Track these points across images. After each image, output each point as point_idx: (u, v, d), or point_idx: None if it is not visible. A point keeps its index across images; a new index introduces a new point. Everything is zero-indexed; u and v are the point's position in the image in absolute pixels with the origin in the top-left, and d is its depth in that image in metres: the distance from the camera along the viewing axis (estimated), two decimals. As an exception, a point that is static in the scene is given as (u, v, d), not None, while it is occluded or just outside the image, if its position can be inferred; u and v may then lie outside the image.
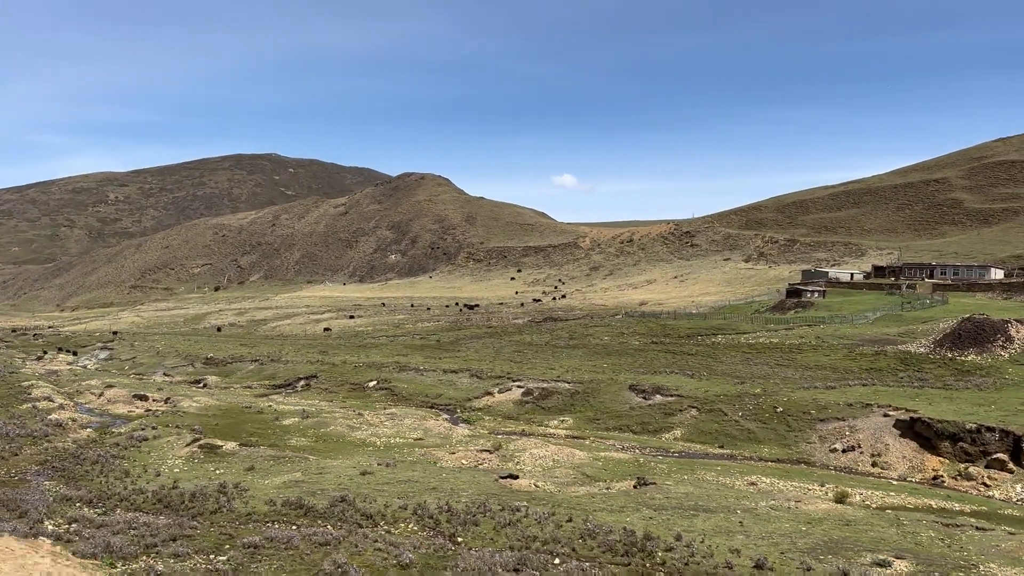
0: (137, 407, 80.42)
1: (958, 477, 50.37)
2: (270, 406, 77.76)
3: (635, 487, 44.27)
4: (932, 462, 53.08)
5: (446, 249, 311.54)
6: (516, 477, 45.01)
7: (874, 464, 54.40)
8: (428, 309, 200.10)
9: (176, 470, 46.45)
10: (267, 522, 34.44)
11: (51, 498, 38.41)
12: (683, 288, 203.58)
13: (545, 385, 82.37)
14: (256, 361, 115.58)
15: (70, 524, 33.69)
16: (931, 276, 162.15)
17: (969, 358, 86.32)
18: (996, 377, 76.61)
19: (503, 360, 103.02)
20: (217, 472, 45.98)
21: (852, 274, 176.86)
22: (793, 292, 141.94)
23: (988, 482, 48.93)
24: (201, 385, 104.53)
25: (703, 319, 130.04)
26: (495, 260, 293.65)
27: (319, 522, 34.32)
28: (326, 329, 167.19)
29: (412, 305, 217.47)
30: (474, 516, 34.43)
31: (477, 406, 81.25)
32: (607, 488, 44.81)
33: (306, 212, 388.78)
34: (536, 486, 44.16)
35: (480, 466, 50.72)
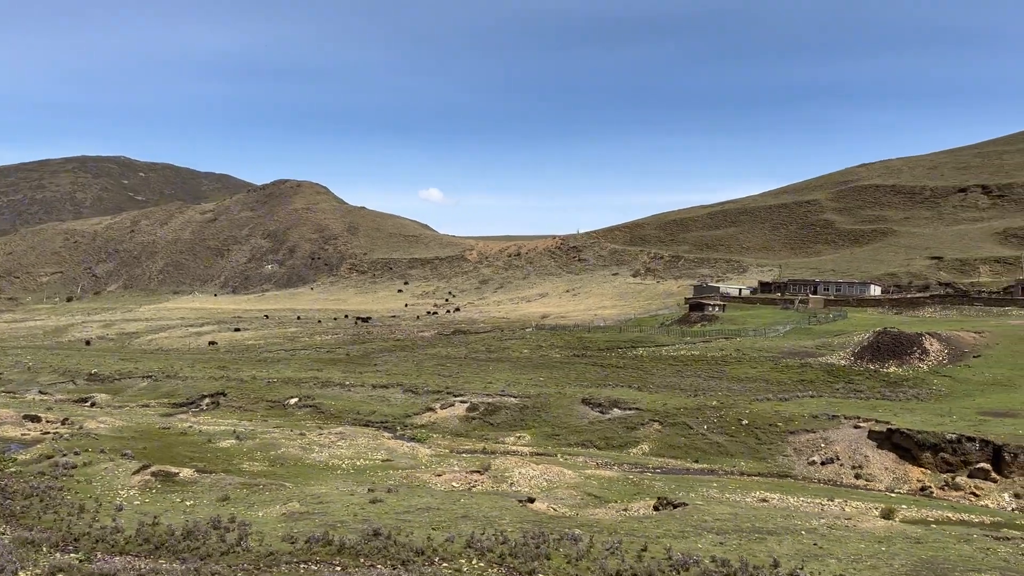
0: (30, 429, 70.71)
1: (945, 487, 50.90)
2: (191, 427, 70.12)
3: (656, 508, 41.62)
4: (915, 473, 53.54)
5: (327, 260, 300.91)
6: (533, 500, 41.46)
7: (857, 476, 54.34)
8: (319, 322, 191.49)
9: (137, 502, 39.89)
10: (299, 562, 29.41)
11: (7, 541, 31.60)
12: (578, 301, 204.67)
13: (490, 400, 78.77)
14: (148, 377, 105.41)
15: (55, 574, 27.57)
16: (815, 292, 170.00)
17: (891, 370, 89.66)
18: (925, 388, 79.59)
19: (429, 374, 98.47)
20: (187, 504, 39.82)
21: (740, 289, 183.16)
22: (696, 306, 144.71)
23: (976, 492, 49.60)
24: (89, 404, 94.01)
25: (618, 332, 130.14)
26: (380, 272, 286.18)
27: (362, 560, 29.63)
28: (212, 343, 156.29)
29: (299, 318, 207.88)
30: (538, 547, 30.72)
31: (419, 423, 76.59)
32: (625, 509, 41.98)
33: (169, 218, 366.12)
34: (554, 509, 40.80)
35: (474, 488, 46.76)
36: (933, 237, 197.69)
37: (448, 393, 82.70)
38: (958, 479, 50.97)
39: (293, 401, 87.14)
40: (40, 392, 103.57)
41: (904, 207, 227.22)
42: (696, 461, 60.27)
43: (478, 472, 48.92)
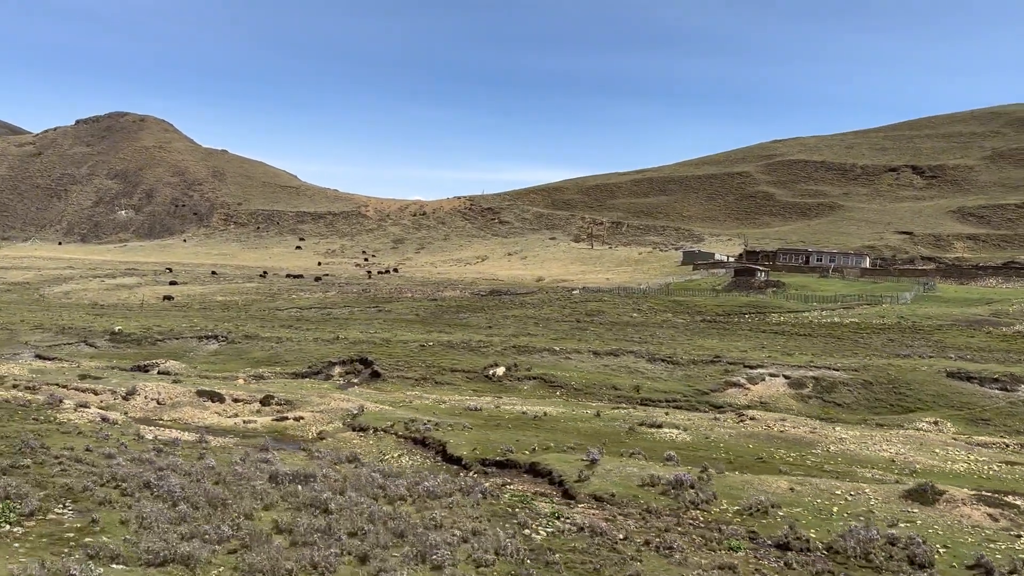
0: (219, 413, 43.96)
1: None
2: (507, 409, 46.36)
3: None
4: None
5: (195, 208, 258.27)
6: None
7: None
8: (263, 275, 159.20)
9: None
10: None
11: None
12: (538, 266, 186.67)
13: (811, 374, 60.68)
14: (211, 338, 75.70)
15: None
16: (807, 262, 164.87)
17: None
18: None
19: (606, 339, 77.80)
20: None
21: (728, 257, 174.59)
22: (746, 271, 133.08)
23: None
24: (156, 372, 64.41)
25: (714, 295, 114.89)
26: (265, 225, 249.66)
27: None
28: (167, 297, 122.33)
29: (214, 273, 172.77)
30: None
31: (738, 402, 56.95)
32: None
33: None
34: None
35: None
36: (888, 212, 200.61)
37: (731, 363, 63.39)
38: None
39: (500, 372, 63.61)
40: (37, 356, 70.73)
41: (838, 183, 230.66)
42: None
43: None
